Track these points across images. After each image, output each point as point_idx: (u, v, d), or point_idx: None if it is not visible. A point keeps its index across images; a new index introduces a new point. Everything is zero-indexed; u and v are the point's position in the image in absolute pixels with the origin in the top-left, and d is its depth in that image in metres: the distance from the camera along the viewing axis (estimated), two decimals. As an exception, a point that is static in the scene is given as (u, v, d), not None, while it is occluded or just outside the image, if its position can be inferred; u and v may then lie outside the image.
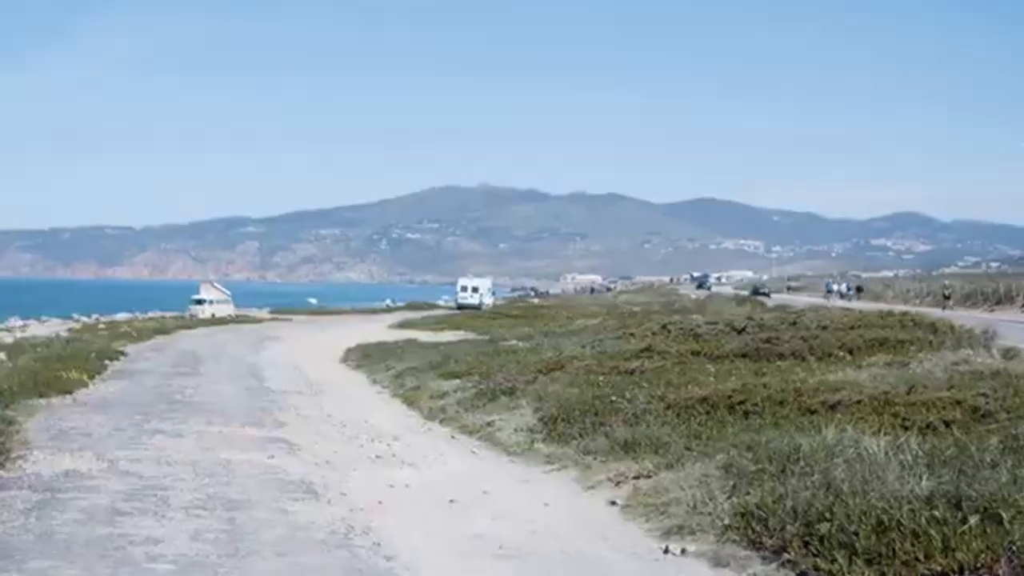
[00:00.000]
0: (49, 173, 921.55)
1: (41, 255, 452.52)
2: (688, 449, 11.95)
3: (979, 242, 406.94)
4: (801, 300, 65.26)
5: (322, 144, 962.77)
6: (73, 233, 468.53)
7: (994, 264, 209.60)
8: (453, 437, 16.28)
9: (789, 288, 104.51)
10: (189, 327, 48.81)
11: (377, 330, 48.51)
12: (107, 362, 28.05)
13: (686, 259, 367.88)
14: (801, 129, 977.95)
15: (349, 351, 33.40)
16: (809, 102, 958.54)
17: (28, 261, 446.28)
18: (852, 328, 25.23)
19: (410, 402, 20.76)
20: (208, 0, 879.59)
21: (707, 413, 14.11)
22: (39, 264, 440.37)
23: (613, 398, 15.82)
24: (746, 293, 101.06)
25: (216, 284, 70.74)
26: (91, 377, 23.54)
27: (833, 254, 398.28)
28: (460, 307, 76.57)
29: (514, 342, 31.76)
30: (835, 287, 70.48)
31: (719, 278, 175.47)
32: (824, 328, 25.75)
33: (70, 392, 20.51)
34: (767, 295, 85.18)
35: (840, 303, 58.74)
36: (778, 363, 19.70)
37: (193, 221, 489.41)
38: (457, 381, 21.78)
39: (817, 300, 71.10)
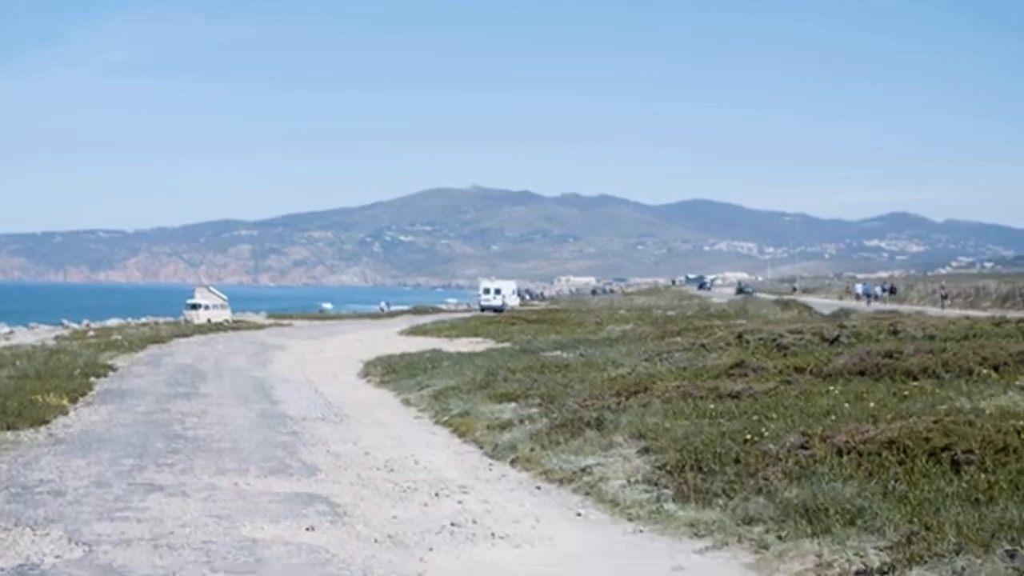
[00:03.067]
0: (40, 177, 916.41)
1: (32, 259, 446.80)
2: (928, 528, 8.27)
3: (972, 243, 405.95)
4: (825, 302, 61.71)
5: (314, 147, 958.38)
6: (65, 237, 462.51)
7: (988, 264, 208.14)
8: (539, 488, 12.48)
9: (795, 289, 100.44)
10: (185, 334, 44.99)
11: (388, 337, 44.85)
12: (93, 379, 24.39)
13: (680, 261, 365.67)
14: (794, 131, 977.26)
15: (369, 364, 29.38)
16: (803, 104, 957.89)
17: (19, 265, 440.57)
18: (966, 338, 21.72)
19: (461, 433, 16.91)
20: (202, 5, 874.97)
21: (900, 463, 10.43)
22: (30, 268, 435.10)
23: (748, 436, 12.15)
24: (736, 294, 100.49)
25: (212, 288, 66.82)
26: (73, 400, 19.95)
27: (827, 255, 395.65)
28: (483, 309, 76.33)
29: (557, 353, 27.98)
30: (874, 289, 66.64)
31: (714, 279, 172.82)
32: (932, 338, 22.24)
33: (46, 422, 16.90)
34: (751, 293, 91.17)
35: (875, 305, 55.50)
36: (913, 383, 16.13)
37: (185, 224, 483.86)
38: (514, 405, 18.06)
39: (833, 301, 68.07)
